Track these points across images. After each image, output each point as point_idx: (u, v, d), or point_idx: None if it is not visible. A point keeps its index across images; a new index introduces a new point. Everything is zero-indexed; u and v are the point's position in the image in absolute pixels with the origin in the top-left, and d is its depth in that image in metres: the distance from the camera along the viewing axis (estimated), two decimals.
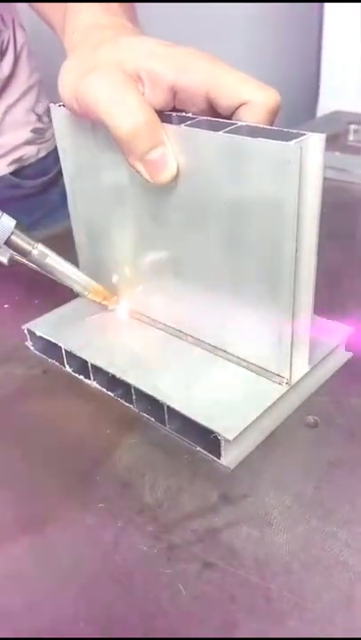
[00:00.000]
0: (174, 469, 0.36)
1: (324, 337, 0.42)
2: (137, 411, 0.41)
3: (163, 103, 0.36)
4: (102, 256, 0.47)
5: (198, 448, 0.37)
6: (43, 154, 0.75)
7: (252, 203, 0.34)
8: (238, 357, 0.41)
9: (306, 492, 0.34)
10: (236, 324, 0.40)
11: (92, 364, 0.42)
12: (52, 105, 0.43)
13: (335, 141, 0.86)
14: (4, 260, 0.43)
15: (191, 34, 0.91)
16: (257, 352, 0.39)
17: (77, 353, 0.43)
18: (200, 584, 0.30)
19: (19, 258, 0.43)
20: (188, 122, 0.36)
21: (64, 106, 0.40)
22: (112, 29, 0.40)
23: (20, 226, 0.42)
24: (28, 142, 0.72)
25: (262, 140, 0.32)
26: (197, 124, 0.35)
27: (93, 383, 0.43)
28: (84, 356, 0.43)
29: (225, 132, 0.34)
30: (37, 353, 0.47)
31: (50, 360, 0.46)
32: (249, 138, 0.32)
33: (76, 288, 0.45)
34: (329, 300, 0.50)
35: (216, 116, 0.36)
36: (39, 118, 0.73)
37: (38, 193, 0.75)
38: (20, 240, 0.42)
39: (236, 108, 0.35)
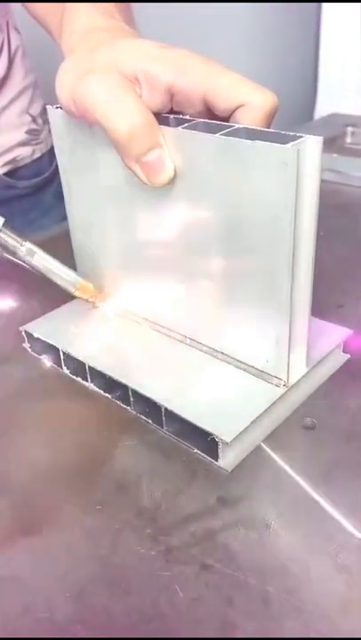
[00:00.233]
0: (172, 472, 0.36)
1: (321, 339, 0.42)
2: (134, 413, 0.41)
3: (160, 105, 0.36)
4: (99, 257, 0.47)
5: (196, 450, 0.37)
6: (37, 155, 0.75)
7: (249, 205, 0.34)
8: (236, 359, 0.41)
9: (303, 493, 0.34)
10: (233, 326, 0.40)
11: (89, 366, 0.42)
12: (48, 107, 0.43)
13: (333, 144, 0.86)
14: None
15: (188, 35, 0.91)
16: (255, 354, 0.39)
17: (75, 355, 0.43)
18: (198, 586, 0.30)
19: (7, 255, 0.43)
20: (186, 124, 0.36)
21: (61, 107, 0.40)
22: (109, 32, 0.40)
23: (7, 224, 0.42)
24: (22, 143, 0.72)
25: (259, 142, 0.32)
26: (194, 127, 0.35)
27: (91, 385, 0.43)
28: (81, 358, 0.43)
29: (222, 135, 0.34)
30: (35, 355, 0.47)
31: (47, 362, 0.46)
32: (246, 140, 0.33)
33: (64, 285, 0.45)
34: (327, 302, 0.50)
35: (213, 118, 0.36)
36: (34, 120, 0.73)
37: (32, 193, 0.75)
38: (8, 237, 0.43)
39: (234, 111, 0.35)
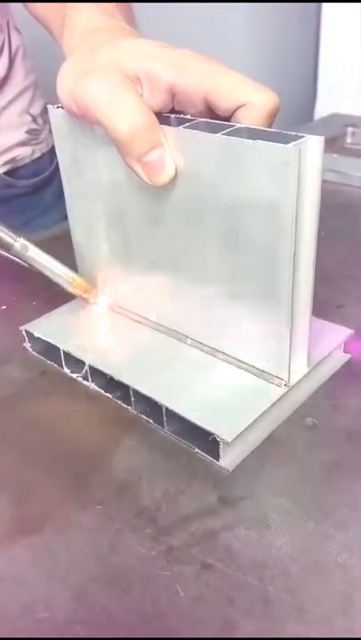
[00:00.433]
0: (173, 471, 0.36)
1: (322, 339, 0.42)
2: (135, 412, 0.41)
3: (161, 105, 0.36)
4: (100, 256, 0.47)
5: (197, 450, 0.37)
6: (37, 155, 0.75)
7: (250, 205, 0.34)
8: (237, 359, 0.41)
9: (304, 493, 0.34)
10: (234, 326, 0.40)
11: (90, 366, 0.42)
12: (49, 106, 0.43)
13: (333, 144, 0.86)
14: None
15: (189, 34, 0.91)
16: (256, 354, 0.39)
17: (76, 354, 0.43)
18: (198, 586, 0.30)
19: (1, 252, 0.43)
20: (187, 124, 0.36)
21: (62, 107, 0.40)
22: (110, 32, 0.40)
23: (0, 220, 0.43)
24: (22, 143, 0.72)
25: (261, 142, 0.32)
26: (196, 126, 0.35)
27: (92, 385, 0.43)
28: (82, 358, 0.43)
29: (223, 134, 0.34)
30: (36, 354, 0.47)
31: (48, 361, 0.46)
32: (247, 140, 0.33)
33: (57, 280, 0.45)
34: (328, 302, 0.50)
35: (215, 117, 0.36)
36: (34, 119, 0.73)
37: (32, 192, 0.75)
38: (3, 233, 0.43)
39: (235, 110, 0.35)
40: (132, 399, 0.40)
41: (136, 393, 0.40)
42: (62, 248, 0.48)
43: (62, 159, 0.45)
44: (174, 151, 0.36)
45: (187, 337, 0.43)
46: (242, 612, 0.29)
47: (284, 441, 0.38)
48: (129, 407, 0.41)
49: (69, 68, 0.38)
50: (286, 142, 0.31)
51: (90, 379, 0.43)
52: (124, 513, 0.34)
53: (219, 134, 0.34)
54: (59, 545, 0.32)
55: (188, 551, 0.31)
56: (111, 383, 0.41)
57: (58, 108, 0.42)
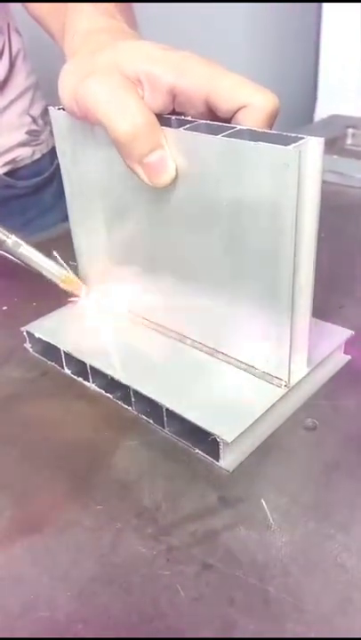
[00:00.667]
0: (173, 471, 0.36)
1: (322, 340, 0.42)
2: (136, 413, 0.41)
3: (162, 106, 0.36)
4: (101, 258, 0.47)
5: (197, 450, 0.37)
6: (37, 156, 0.75)
7: (250, 206, 0.34)
8: (237, 360, 0.41)
9: (304, 494, 0.34)
10: (235, 327, 0.40)
11: (90, 366, 0.42)
12: (50, 108, 0.43)
13: (333, 145, 0.86)
14: None
15: (189, 35, 0.91)
16: (256, 354, 0.39)
17: (76, 355, 0.43)
18: (198, 586, 0.30)
19: None
20: (187, 125, 0.36)
21: (63, 108, 0.40)
22: (111, 33, 0.41)
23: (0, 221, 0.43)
24: (22, 144, 0.72)
25: (261, 143, 0.32)
26: (196, 128, 0.35)
27: (92, 385, 0.43)
28: (82, 358, 0.43)
29: (224, 136, 0.34)
30: (36, 355, 0.47)
31: (49, 362, 0.46)
32: (248, 142, 0.33)
33: (49, 276, 0.46)
34: (328, 303, 0.50)
35: (215, 119, 0.36)
36: (34, 120, 0.73)
37: (32, 193, 0.75)
38: None
39: (235, 112, 0.35)
40: (133, 400, 0.40)
41: (136, 393, 0.40)
42: (63, 249, 0.48)
43: (63, 160, 0.45)
44: (175, 152, 0.36)
45: (187, 337, 0.43)
46: (242, 611, 0.29)
47: (284, 441, 0.38)
48: (129, 407, 0.41)
49: (71, 70, 0.38)
50: (286, 144, 0.31)
51: (90, 379, 0.43)
52: (124, 513, 0.34)
53: (219, 136, 0.34)
54: (59, 545, 0.33)
55: (189, 551, 0.31)
56: (112, 384, 0.42)
57: (59, 109, 0.42)
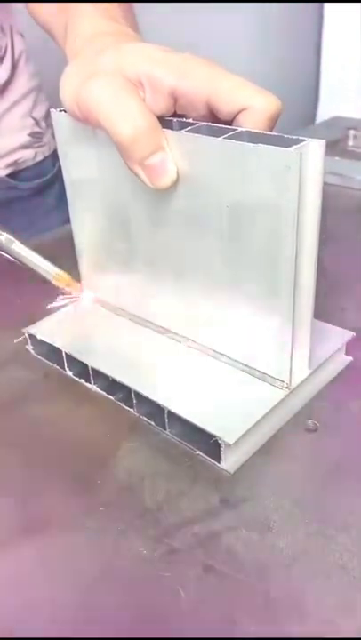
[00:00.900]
0: (175, 473, 0.36)
1: (324, 341, 0.42)
2: (137, 414, 0.41)
3: (163, 109, 0.37)
4: (103, 260, 0.47)
5: (198, 452, 0.37)
6: (40, 158, 0.75)
7: (252, 208, 0.34)
8: (238, 362, 0.41)
9: (306, 496, 0.34)
10: (236, 329, 0.40)
11: (92, 368, 0.42)
12: (52, 110, 0.43)
13: (335, 147, 0.86)
14: None
15: (190, 37, 0.91)
16: (257, 356, 0.39)
17: (78, 357, 0.43)
18: (200, 587, 0.30)
19: None
20: (189, 127, 0.36)
21: (65, 111, 0.40)
22: (112, 36, 0.41)
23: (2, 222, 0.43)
24: (24, 146, 0.73)
25: (262, 146, 0.32)
26: (198, 130, 0.36)
27: (94, 387, 0.43)
28: (84, 360, 0.43)
29: (225, 138, 0.34)
30: (38, 357, 0.47)
31: (50, 364, 0.46)
32: (249, 144, 0.33)
33: (41, 274, 0.46)
34: (329, 305, 0.50)
35: (217, 121, 0.36)
36: (37, 123, 0.74)
37: (34, 195, 0.76)
38: None
39: (237, 114, 0.35)
40: (135, 401, 0.40)
41: (138, 395, 0.40)
42: (65, 250, 0.48)
43: (64, 162, 0.45)
44: (176, 155, 0.36)
45: (189, 339, 0.44)
46: (243, 613, 0.29)
47: (285, 443, 0.38)
48: (131, 409, 0.41)
49: (72, 72, 0.38)
50: (287, 146, 0.31)
51: (92, 381, 0.43)
52: (126, 514, 0.34)
53: (220, 138, 0.34)
54: (62, 546, 0.33)
55: (190, 552, 0.32)
56: (113, 385, 0.42)
57: (61, 111, 0.42)
